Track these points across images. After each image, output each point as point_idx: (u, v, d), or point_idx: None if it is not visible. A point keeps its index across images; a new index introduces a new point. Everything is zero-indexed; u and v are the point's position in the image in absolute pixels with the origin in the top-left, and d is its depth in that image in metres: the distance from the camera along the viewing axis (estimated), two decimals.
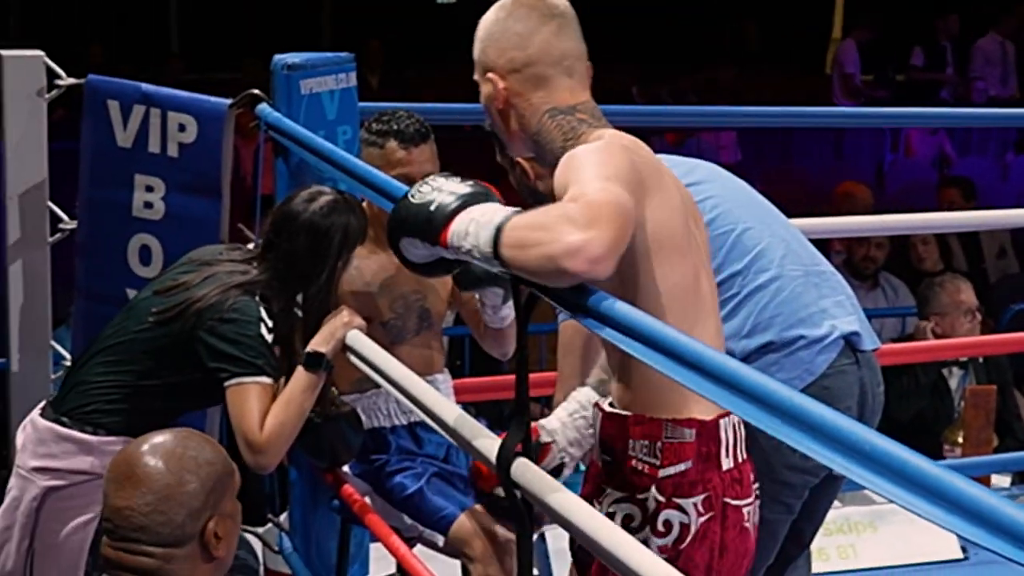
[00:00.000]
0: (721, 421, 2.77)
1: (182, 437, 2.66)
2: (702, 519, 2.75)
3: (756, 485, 2.87)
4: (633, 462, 2.77)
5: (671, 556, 2.70)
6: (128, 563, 2.55)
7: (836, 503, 5.08)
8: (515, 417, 2.91)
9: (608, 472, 2.80)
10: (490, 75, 2.89)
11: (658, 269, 2.72)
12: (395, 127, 4.00)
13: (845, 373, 3.33)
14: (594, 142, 2.77)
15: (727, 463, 2.77)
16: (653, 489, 2.75)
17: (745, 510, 2.81)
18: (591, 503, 2.73)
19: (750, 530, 2.82)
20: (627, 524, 2.73)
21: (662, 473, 2.75)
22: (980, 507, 1.79)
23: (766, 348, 3.30)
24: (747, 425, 3.26)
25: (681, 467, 2.75)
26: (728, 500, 2.77)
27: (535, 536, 4.85)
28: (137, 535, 2.55)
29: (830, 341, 3.34)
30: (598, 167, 2.66)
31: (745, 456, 2.83)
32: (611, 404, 2.84)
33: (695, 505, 2.74)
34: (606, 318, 2.53)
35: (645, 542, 2.67)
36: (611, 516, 2.73)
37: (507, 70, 2.87)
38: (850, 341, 3.37)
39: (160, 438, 2.64)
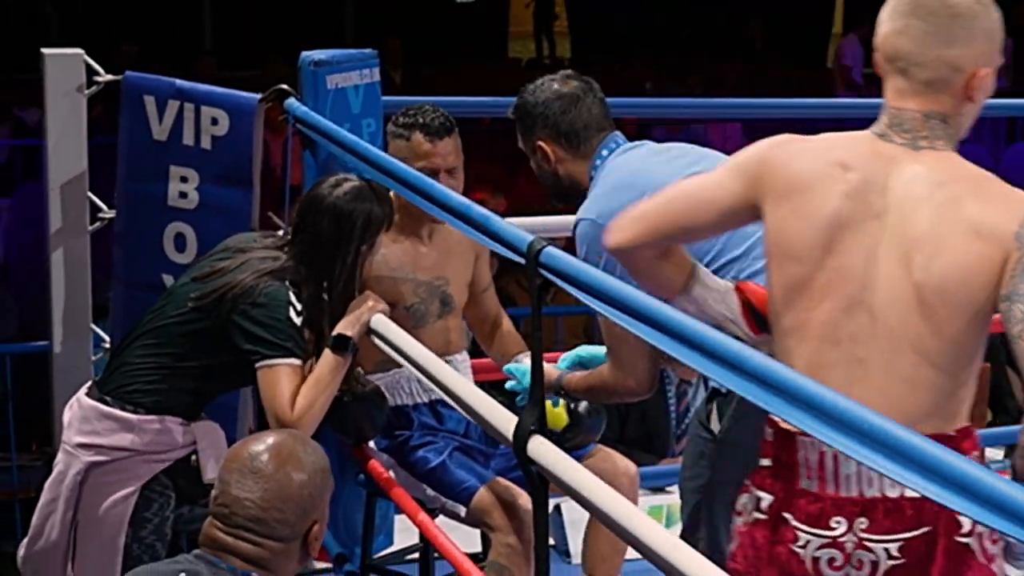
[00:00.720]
0: (799, 438, 2.61)
1: (300, 440, 2.77)
2: (755, 514, 2.66)
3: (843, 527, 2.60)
4: None
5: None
6: (239, 550, 2.64)
7: None
8: (531, 395, 2.93)
9: None
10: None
11: (767, 269, 2.68)
12: (421, 120, 4.02)
13: None
14: None
15: (805, 483, 2.60)
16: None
17: (804, 536, 2.60)
18: None
19: (805, 561, 2.60)
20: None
21: (761, 462, 2.70)
22: (978, 484, 1.80)
23: None
24: (743, 406, 3.27)
25: (766, 461, 2.68)
26: (786, 515, 2.62)
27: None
28: (252, 526, 2.64)
29: None
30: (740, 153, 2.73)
31: (851, 496, 2.57)
32: None
33: (757, 499, 2.67)
34: (612, 301, 2.55)
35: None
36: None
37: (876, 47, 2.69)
38: None
39: (281, 438, 2.74)
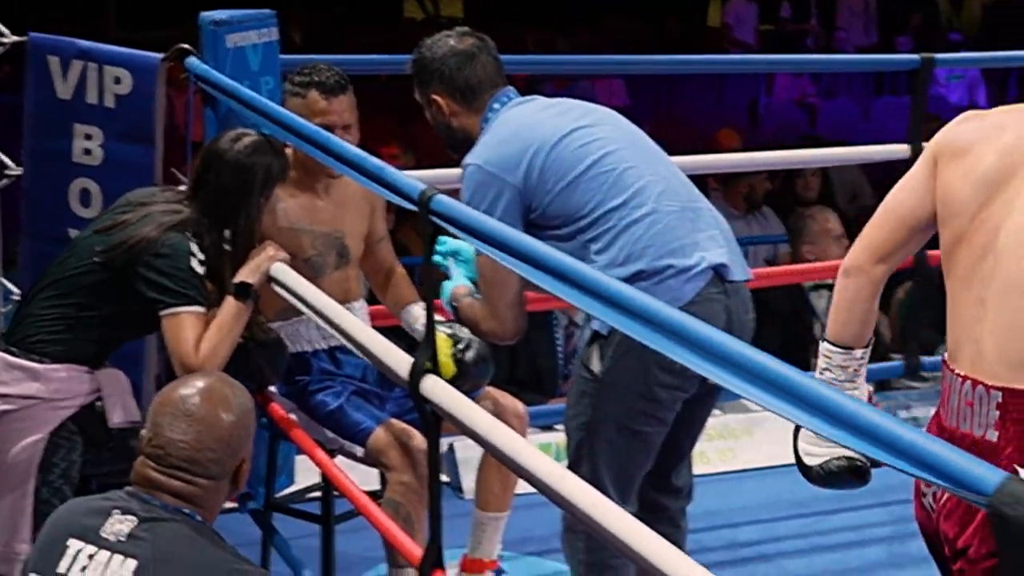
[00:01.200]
0: (945, 370, 2.66)
1: (227, 382, 2.76)
2: None
3: None
4: None
5: None
6: (172, 488, 2.63)
7: (717, 412, 5.15)
8: (425, 338, 2.93)
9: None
10: None
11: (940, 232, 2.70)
12: (316, 79, 3.99)
13: (712, 301, 3.33)
14: None
15: (943, 409, 2.67)
16: None
17: None
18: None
19: None
20: None
21: None
22: (840, 410, 1.82)
23: (637, 276, 3.27)
24: (621, 348, 3.29)
25: None
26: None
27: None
28: (186, 465, 2.63)
29: (698, 271, 3.33)
30: None
31: (951, 426, 2.61)
32: None
33: None
34: (501, 245, 2.56)
35: None
36: None
37: None
38: (719, 272, 3.37)
39: (210, 381, 2.73)
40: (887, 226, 2.76)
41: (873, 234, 2.78)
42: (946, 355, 2.64)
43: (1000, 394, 2.51)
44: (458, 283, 3.60)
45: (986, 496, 1.61)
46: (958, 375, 2.59)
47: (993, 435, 2.53)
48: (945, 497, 2.62)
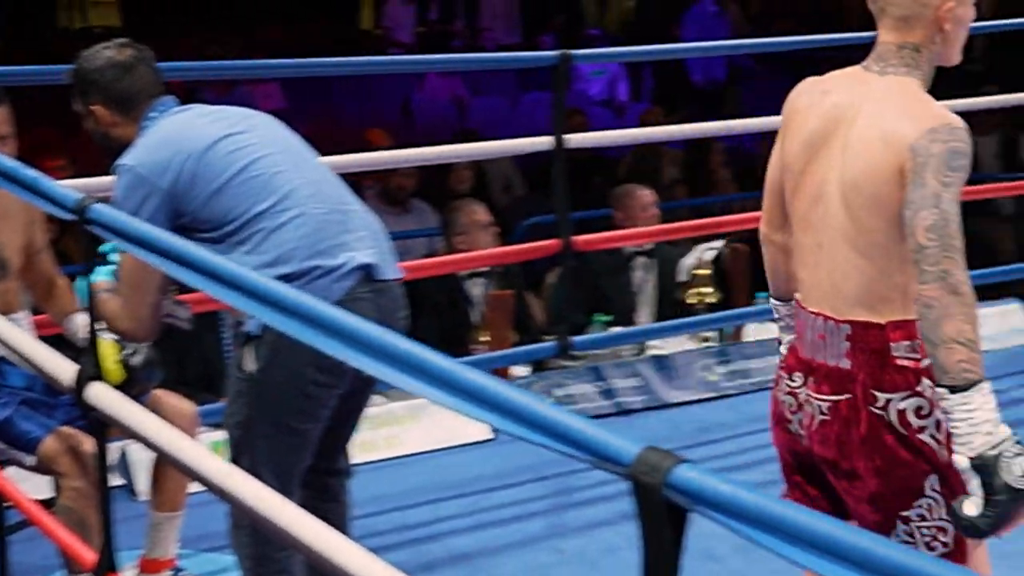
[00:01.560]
0: (798, 308, 2.87)
1: None
2: None
3: None
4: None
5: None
6: None
7: (383, 399, 5.19)
8: (88, 345, 2.89)
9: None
10: None
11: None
12: None
13: (361, 300, 3.35)
14: None
15: (798, 343, 2.88)
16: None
17: (782, 383, 2.90)
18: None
19: (780, 402, 2.92)
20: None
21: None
22: (489, 394, 1.85)
23: (286, 278, 3.24)
24: (275, 348, 3.29)
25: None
26: (782, 366, 2.92)
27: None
28: None
29: (346, 271, 3.35)
30: None
31: (808, 358, 2.83)
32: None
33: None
34: (157, 249, 2.54)
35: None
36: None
37: None
38: (368, 272, 3.39)
39: None
40: (768, 201, 3.01)
41: (765, 208, 3.02)
42: (798, 295, 2.88)
43: (848, 327, 2.74)
44: (99, 278, 3.54)
45: (625, 467, 1.66)
46: (811, 312, 2.82)
47: (846, 363, 2.76)
48: (816, 424, 2.81)
